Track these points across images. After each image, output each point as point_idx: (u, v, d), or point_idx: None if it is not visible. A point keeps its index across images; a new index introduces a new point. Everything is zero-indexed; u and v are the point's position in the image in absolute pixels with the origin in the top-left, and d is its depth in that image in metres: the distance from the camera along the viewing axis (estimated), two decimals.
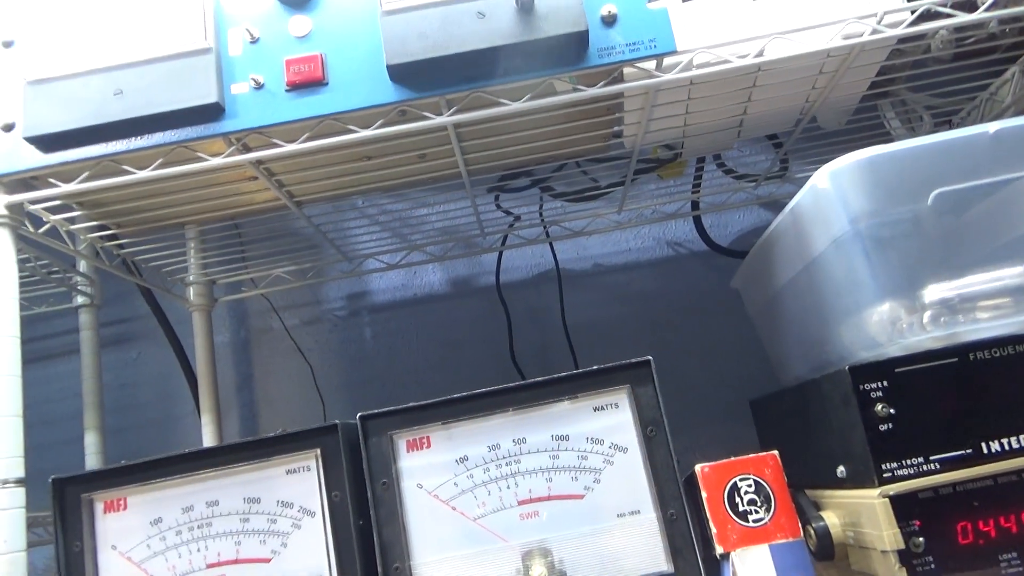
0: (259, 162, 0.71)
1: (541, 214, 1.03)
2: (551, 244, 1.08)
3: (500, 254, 1.09)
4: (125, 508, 0.61)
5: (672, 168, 0.93)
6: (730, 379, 1.03)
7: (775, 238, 0.75)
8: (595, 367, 0.61)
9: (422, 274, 1.12)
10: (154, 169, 0.64)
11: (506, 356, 1.06)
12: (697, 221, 1.06)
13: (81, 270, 1.01)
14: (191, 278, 1.00)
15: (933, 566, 0.56)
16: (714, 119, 0.78)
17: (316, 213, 0.89)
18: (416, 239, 1.08)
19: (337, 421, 0.61)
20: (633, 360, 0.61)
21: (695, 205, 1.04)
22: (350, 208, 1.10)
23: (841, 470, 0.65)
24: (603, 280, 1.11)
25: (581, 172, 0.94)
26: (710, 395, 1.03)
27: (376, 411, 0.61)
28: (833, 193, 0.59)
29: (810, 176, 0.69)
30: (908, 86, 0.85)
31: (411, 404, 0.61)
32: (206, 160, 0.64)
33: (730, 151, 1.07)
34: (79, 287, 1.00)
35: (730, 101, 0.75)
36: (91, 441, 0.97)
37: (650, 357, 0.61)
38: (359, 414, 0.61)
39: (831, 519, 0.65)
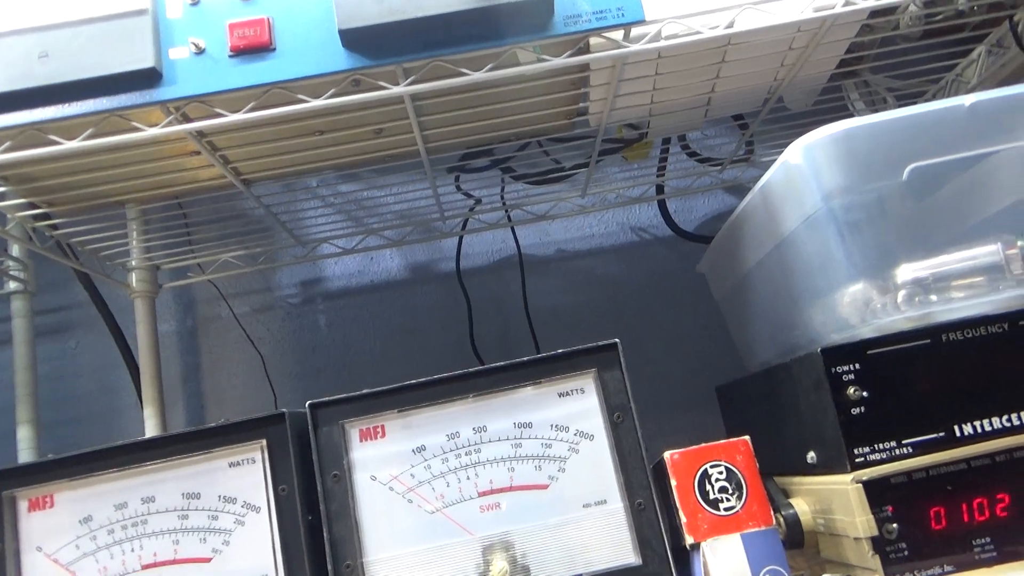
0: (200, 134, 0.66)
1: (503, 197, 0.99)
2: (513, 229, 1.05)
3: (460, 239, 1.05)
4: (52, 506, 0.56)
5: (638, 149, 0.90)
6: (695, 366, 1.02)
7: (743, 219, 0.73)
8: (560, 351, 0.58)
9: (379, 260, 1.08)
10: (84, 140, 0.59)
11: (466, 344, 1.02)
12: (662, 206, 1.04)
13: (13, 254, 0.94)
14: (133, 263, 0.94)
15: (906, 552, 0.55)
16: (682, 96, 0.76)
17: (266, 192, 0.85)
18: (373, 223, 1.03)
19: (285, 410, 0.57)
20: (599, 343, 0.58)
21: (660, 189, 1.01)
22: (303, 190, 1.05)
23: (811, 456, 0.63)
24: (566, 266, 1.08)
25: (543, 153, 0.90)
26: (675, 382, 1.01)
27: (327, 398, 0.57)
28: (806, 168, 0.57)
29: (775, 160, 0.67)
30: (873, 65, 0.84)
31: (364, 391, 0.57)
32: (142, 130, 0.59)
33: (695, 134, 1.05)
34: (10, 272, 0.94)
35: (698, 77, 0.73)
36: (24, 436, 0.90)
37: (617, 340, 0.58)
38: (308, 402, 0.57)
39: (800, 506, 0.63)
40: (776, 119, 0.88)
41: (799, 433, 0.64)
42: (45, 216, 0.78)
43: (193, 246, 0.95)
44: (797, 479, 0.64)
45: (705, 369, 1.00)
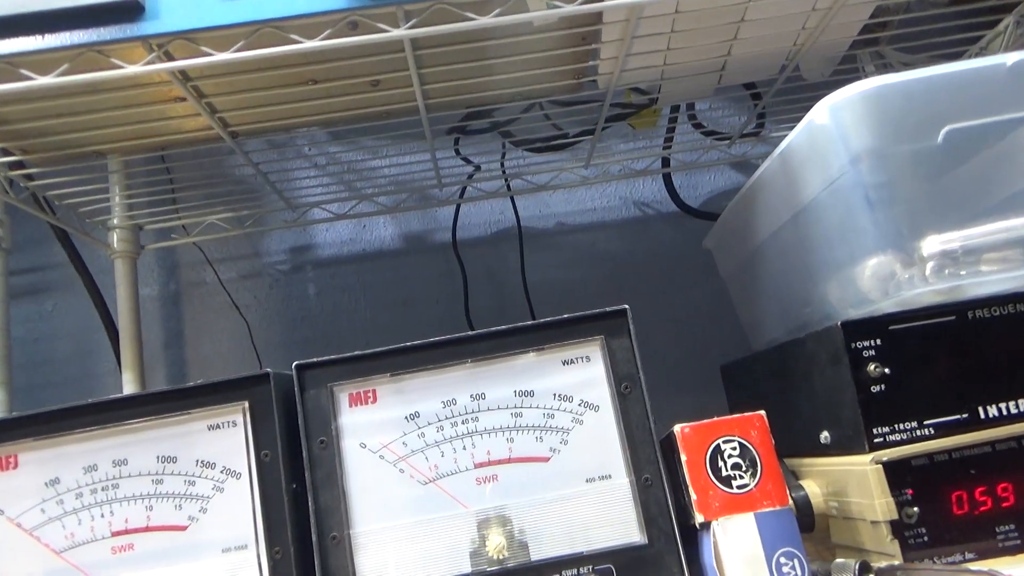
0: (186, 77, 0.62)
1: (503, 165, 0.96)
2: (512, 199, 1.01)
3: (457, 208, 1.01)
4: (15, 467, 0.52)
5: (645, 117, 0.86)
6: (697, 346, 0.98)
7: (758, 188, 0.70)
8: (565, 316, 0.54)
9: (372, 228, 1.04)
10: (59, 76, 0.54)
11: (461, 318, 0.99)
12: (667, 180, 1.01)
13: None
14: (114, 221, 0.90)
15: (926, 538, 0.52)
16: (696, 58, 0.72)
17: (255, 149, 0.81)
18: (367, 189, 0.99)
19: (269, 370, 0.53)
20: (608, 309, 0.55)
21: (665, 162, 0.98)
22: (295, 155, 1.01)
23: (825, 436, 0.60)
24: (566, 240, 1.04)
25: (545, 117, 0.86)
26: (676, 362, 0.98)
27: (315, 360, 0.53)
28: (833, 129, 0.54)
29: (786, 136, 0.64)
30: (895, 33, 0.80)
31: (355, 352, 0.54)
32: (122, 68, 0.55)
33: (703, 108, 1.01)
34: None
35: (715, 37, 0.69)
36: None
37: (626, 306, 0.55)
38: (295, 363, 0.53)
39: (812, 488, 0.60)
40: (790, 90, 0.84)
41: (812, 412, 0.61)
42: (20, 165, 0.74)
43: (178, 206, 0.91)
44: (808, 460, 0.61)
45: (707, 349, 0.97)
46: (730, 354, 0.84)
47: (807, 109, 0.65)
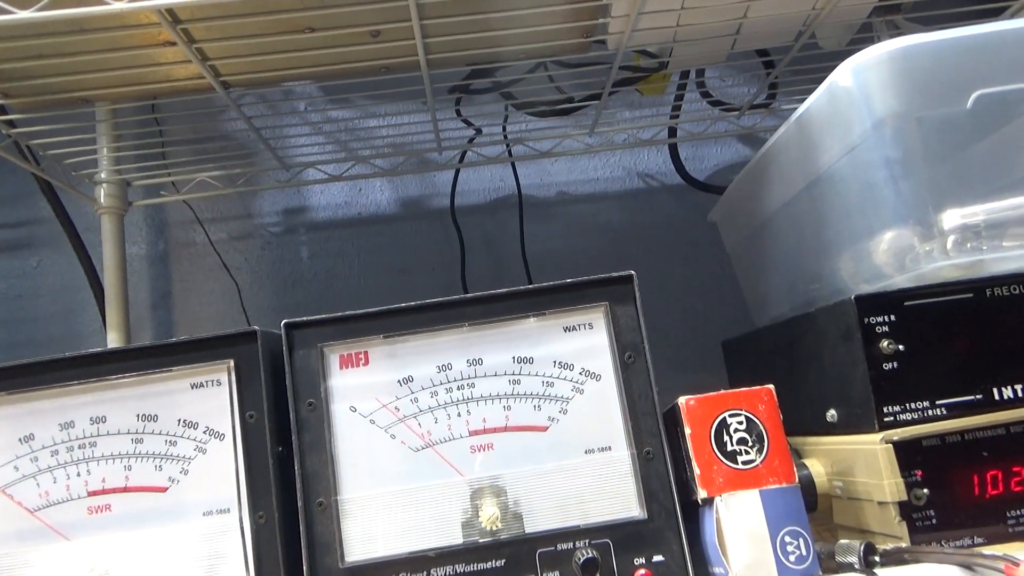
0: (175, 19, 0.59)
1: (504, 129, 0.93)
2: (513, 165, 0.99)
3: (457, 173, 0.98)
4: None
5: (654, 82, 0.83)
6: (697, 321, 0.96)
7: (771, 157, 0.67)
8: (568, 280, 0.52)
9: (368, 191, 1.01)
10: (39, 10, 0.51)
11: (457, 286, 0.96)
12: (672, 151, 0.98)
13: None
14: (101, 175, 0.87)
15: (935, 521, 0.50)
16: (712, 20, 0.69)
17: (249, 103, 0.77)
18: (363, 151, 0.96)
19: (256, 327, 0.51)
20: (613, 274, 0.52)
21: (672, 132, 0.95)
22: (290, 112, 0.97)
23: (832, 414, 0.58)
24: (567, 210, 1.02)
25: (548, 79, 0.83)
26: (676, 337, 0.96)
27: (304, 318, 0.51)
28: (856, 91, 0.51)
29: (796, 108, 0.61)
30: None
31: (347, 312, 0.51)
32: (107, 4, 0.52)
33: (713, 78, 0.98)
34: None
35: None
36: None
37: (632, 272, 0.52)
38: (284, 321, 0.51)
39: (815, 468, 0.58)
40: (803, 59, 0.81)
41: (819, 389, 0.59)
42: (2, 112, 0.70)
43: (167, 160, 0.88)
44: (813, 439, 0.59)
45: (708, 325, 0.95)
46: (731, 331, 0.82)
47: (819, 81, 0.62)
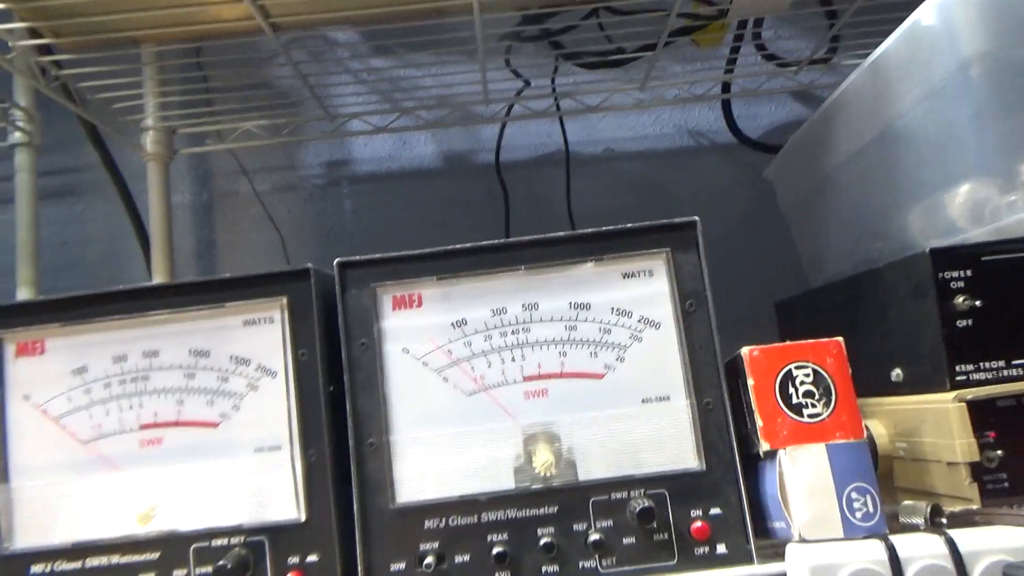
0: None
1: (553, 81, 0.90)
2: (561, 119, 0.96)
3: (503, 127, 0.96)
4: (42, 352, 0.50)
5: (712, 32, 0.80)
6: (748, 282, 0.93)
7: (838, 107, 0.64)
8: (629, 225, 0.50)
9: (412, 145, 1.00)
10: None
11: None
12: (726, 109, 0.95)
13: (18, 102, 0.86)
14: (148, 121, 0.86)
15: (1007, 484, 0.48)
16: None
17: (296, 48, 0.76)
18: (409, 103, 0.95)
19: (310, 265, 0.50)
20: (676, 220, 0.50)
21: (726, 88, 0.92)
22: (336, 63, 0.96)
23: (897, 373, 0.56)
24: (615, 167, 0.99)
25: (599, 26, 0.81)
26: (725, 298, 0.93)
27: (358, 258, 0.50)
28: (941, 29, 0.48)
29: (858, 65, 0.58)
30: None
31: (400, 253, 0.50)
32: None
33: (768, 32, 0.95)
34: (16, 122, 0.86)
35: None
36: (22, 298, 0.84)
37: (696, 218, 0.50)
38: (337, 260, 0.50)
39: (877, 429, 0.56)
40: (868, 9, 0.77)
41: (883, 348, 0.57)
42: (49, 50, 0.70)
43: (213, 108, 0.87)
44: (874, 400, 0.57)
45: (757, 287, 0.92)
46: (783, 293, 0.80)
47: (884, 35, 0.59)
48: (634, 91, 0.90)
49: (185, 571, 0.47)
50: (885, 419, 0.56)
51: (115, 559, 0.48)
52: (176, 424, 0.49)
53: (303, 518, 0.47)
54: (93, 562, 0.48)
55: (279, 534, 0.47)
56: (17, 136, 0.87)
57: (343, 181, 0.99)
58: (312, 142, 0.99)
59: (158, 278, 0.87)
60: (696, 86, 0.93)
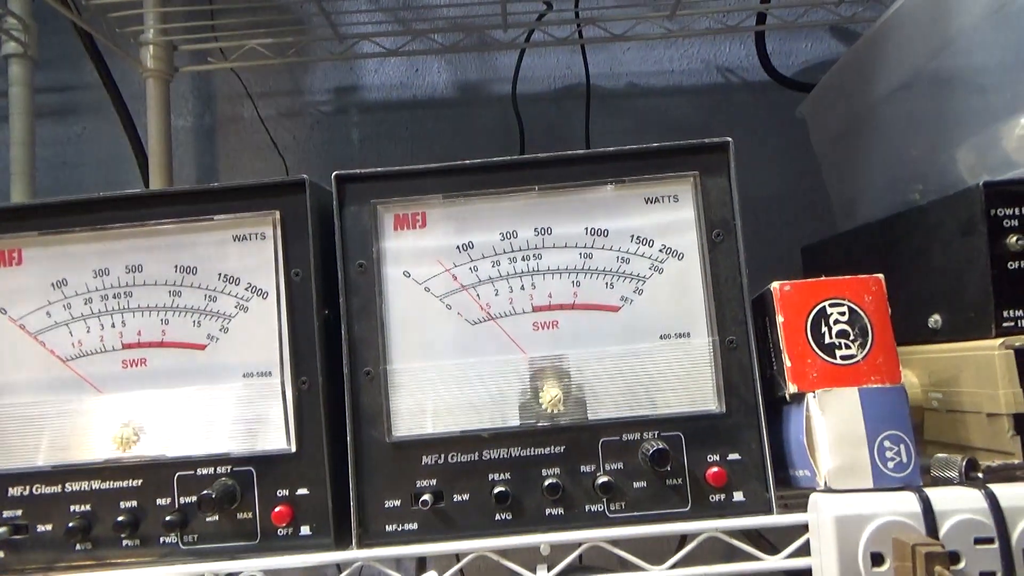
0: None
1: (577, 4, 0.85)
2: (583, 48, 0.91)
3: (521, 55, 0.91)
4: (19, 263, 0.47)
5: None
6: (774, 228, 0.89)
7: (887, 32, 0.59)
8: (654, 144, 0.46)
9: (425, 72, 0.95)
10: None
11: None
12: (759, 43, 0.89)
13: (13, 10, 0.82)
14: (148, 35, 0.82)
15: None
16: None
17: None
18: (422, 26, 0.90)
19: (305, 176, 0.46)
20: (706, 140, 0.46)
21: (761, 19, 0.86)
22: None
23: (935, 319, 0.52)
24: (638, 103, 0.94)
25: None
26: (752, 243, 0.89)
27: (358, 171, 0.46)
28: None
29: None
30: None
31: (404, 167, 0.46)
32: None
33: None
34: (10, 31, 0.82)
35: None
36: None
37: (729, 139, 0.46)
38: (335, 173, 0.46)
39: (909, 379, 0.53)
40: None
41: (921, 293, 0.53)
42: None
43: (215, 22, 0.82)
44: (907, 348, 0.53)
45: (783, 232, 0.88)
46: (808, 239, 0.76)
47: None
48: (663, 20, 0.84)
49: (168, 499, 0.45)
50: (918, 368, 0.53)
51: (96, 484, 0.45)
52: (161, 345, 0.46)
53: (293, 449, 0.44)
54: (73, 487, 0.45)
55: (268, 465, 0.45)
56: (12, 47, 0.82)
57: (351, 109, 0.95)
58: (320, 66, 0.95)
59: None
60: (729, 17, 0.87)
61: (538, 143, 0.92)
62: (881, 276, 0.44)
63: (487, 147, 0.93)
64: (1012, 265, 0.46)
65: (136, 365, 0.46)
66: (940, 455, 0.45)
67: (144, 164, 0.87)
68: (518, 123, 0.91)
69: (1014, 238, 0.46)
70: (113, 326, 0.46)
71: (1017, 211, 0.46)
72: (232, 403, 0.45)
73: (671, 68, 0.94)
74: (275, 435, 0.45)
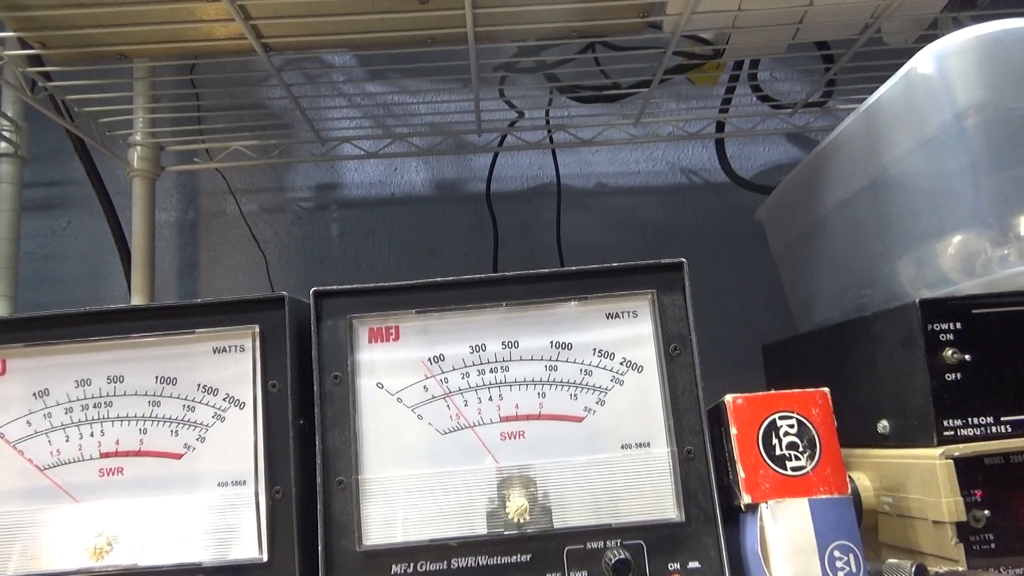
0: None
1: (547, 114, 0.90)
2: (554, 152, 0.96)
3: (495, 157, 0.95)
4: (2, 373, 0.48)
5: (707, 72, 0.80)
6: (737, 323, 0.93)
7: (832, 151, 0.63)
8: (615, 264, 0.49)
9: (404, 171, 0.99)
10: None
11: (489, 272, 0.93)
12: (719, 147, 0.94)
13: (6, 112, 0.85)
14: (136, 137, 0.85)
15: (993, 545, 0.47)
16: (774, 6, 0.66)
17: (288, 69, 0.75)
18: (401, 130, 0.94)
19: (284, 293, 0.48)
20: (663, 260, 0.49)
21: (720, 127, 0.91)
22: (328, 82, 0.95)
23: (883, 425, 0.54)
24: (606, 202, 0.98)
25: (595, 60, 0.80)
26: (712, 340, 0.92)
27: (335, 287, 0.49)
28: (937, 79, 0.48)
29: (853, 110, 0.58)
30: None
31: (379, 284, 0.49)
32: None
33: (765, 76, 0.95)
34: (1, 132, 0.85)
35: None
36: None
37: (684, 259, 0.49)
38: (313, 289, 0.48)
39: (862, 481, 0.55)
40: (865, 55, 0.77)
41: (870, 398, 0.56)
42: (39, 61, 0.69)
43: (202, 126, 0.86)
44: (860, 451, 0.56)
45: (745, 329, 0.91)
46: (771, 336, 0.79)
47: (879, 81, 0.59)
48: (628, 126, 0.89)
49: None
50: (871, 471, 0.55)
51: None
52: (138, 454, 0.47)
53: (265, 558, 0.45)
54: None
55: (240, 574, 0.45)
56: (3, 146, 0.85)
57: (332, 205, 0.98)
58: (302, 165, 0.98)
59: (137, 296, 0.85)
60: (690, 124, 0.93)
61: (511, 239, 0.96)
62: (827, 390, 0.47)
63: (462, 243, 0.97)
64: (950, 376, 0.49)
65: (113, 474, 0.47)
66: (891, 560, 0.47)
67: (127, 258, 0.89)
68: (492, 220, 0.95)
69: (950, 351, 0.49)
70: (92, 435, 0.47)
71: (953, 326, 0.49)
72: (206, 512, 0.46)
73: (637, 169, 0.99)
74: (247, 544, 0.46)
